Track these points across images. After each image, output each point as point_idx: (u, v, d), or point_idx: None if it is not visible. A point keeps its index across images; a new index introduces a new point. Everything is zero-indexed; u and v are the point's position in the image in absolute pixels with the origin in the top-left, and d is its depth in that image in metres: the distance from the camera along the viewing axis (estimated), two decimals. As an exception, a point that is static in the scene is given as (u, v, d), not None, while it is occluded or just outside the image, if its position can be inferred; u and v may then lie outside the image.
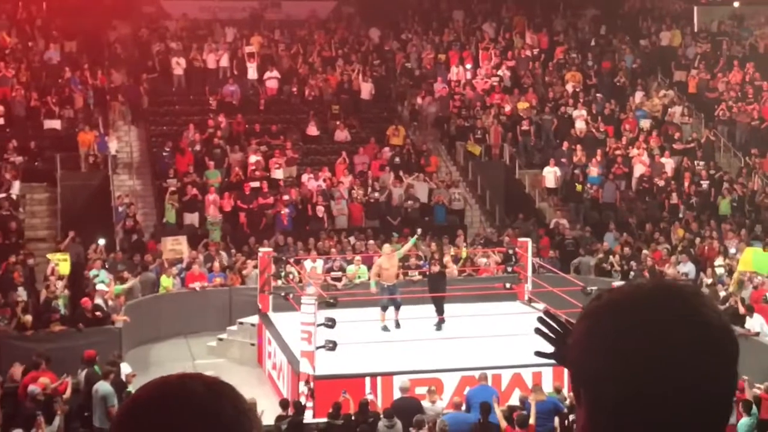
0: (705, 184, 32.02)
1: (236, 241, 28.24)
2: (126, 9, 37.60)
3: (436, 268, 21.70)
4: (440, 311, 21.51)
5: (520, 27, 39.53)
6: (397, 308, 21.49)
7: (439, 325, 21.50)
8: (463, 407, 16.64)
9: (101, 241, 26.57)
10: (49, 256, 25.09)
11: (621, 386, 1.57)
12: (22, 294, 23.31)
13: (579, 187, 31.89)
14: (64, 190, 29.51)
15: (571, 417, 15.86)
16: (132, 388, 17.54)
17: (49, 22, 36.23)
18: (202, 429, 1.52)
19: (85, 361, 18.53)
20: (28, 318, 21.54)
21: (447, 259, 23.30)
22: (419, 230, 24.61)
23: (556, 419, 16.09)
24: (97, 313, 21.68)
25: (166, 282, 25.25)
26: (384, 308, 21.44)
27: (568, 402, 16.68)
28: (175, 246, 26.11)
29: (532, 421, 15.74)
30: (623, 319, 1.61)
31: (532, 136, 34.29)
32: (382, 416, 16.11)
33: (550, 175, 32.19)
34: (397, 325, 21.43)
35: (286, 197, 29.47)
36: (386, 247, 22.89)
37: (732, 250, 26.82)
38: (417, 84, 36.56)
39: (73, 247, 26.51)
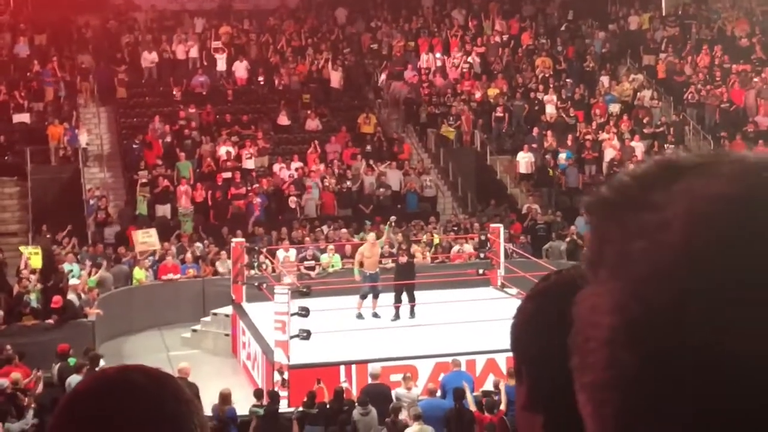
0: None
1: (208, 232, 28.19)
2: (95, 1, 37.37)
3: (404, 259, 21.70)
4: (411, 299, 21.55)
5: (490, 13, 39.55)
6: (376, 297, 21.53)
7: (411, 311, 21.53)
8: (438, 393, 16.72)
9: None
10: (21, 248, 24.98)
11: (564, 365, 1.60)
12: (-7, 288, 23.23)
13: (551, 172, 32.00)
14: (34, 183, 29.37)
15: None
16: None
17: (17, 14, 35.98)
18: (143, 418, 1.52)
19: (59, 354, 18.50)
20: (0, 313, 21.45)
21: (416, 248, 23.29)
22: (393, 218, 24.66)
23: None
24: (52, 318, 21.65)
25: (139, 274, 25.19)
26: (363, 296, 21.51)
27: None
28: (146, 238, 26.02)
29: (503, 406, 15.80)
30: (568, 297, 1.63)
31: (505, 122, 34.36)
32: (356, 404, 16.18)
33: (524, 160, 32.28)
34: (375, 316, 21.48)
35: (257, 186, 29.43)
36: (371, 236, 22.93)
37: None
38: (384, 64, 36.63)
39: (42, 240, 26.39)
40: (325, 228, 28.37)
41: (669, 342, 0.78)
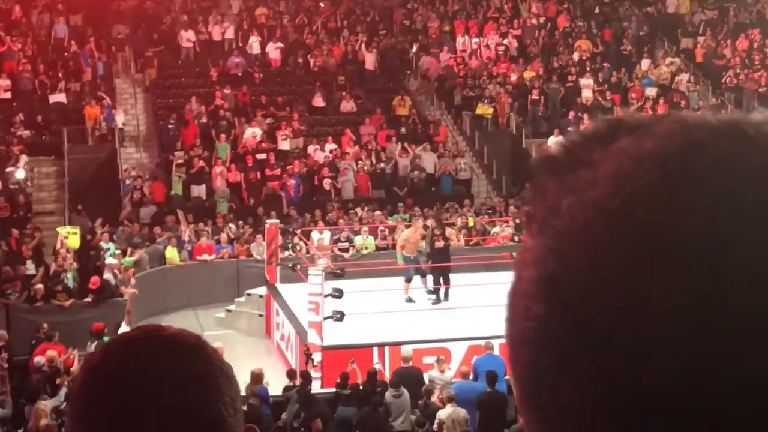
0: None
1: (243, 213, 28.28)
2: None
3: (440, 243, 21.57)
4: (446, 282, 21.53)
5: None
6: (424, 276, 21.62)
7: (446, 294, 21.51)
8: (471, 376, 16.73)
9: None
10: (58, 229, 25.16)
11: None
12: (30, 267, 23.44)
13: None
14: (71, 163, 29.56)
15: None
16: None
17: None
18: (171, 375, 1.51)
19: (94, 333, 18.67)
20: (40, 287, 21.63)
21: (449, 231, 23.21)
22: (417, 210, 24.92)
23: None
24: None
25: (171, 254, 25.32)
26: (408, 280, 21.53)
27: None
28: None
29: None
30: None
31: (541, 105, 34.22)
32: (389, 386, 16.22)
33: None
34: (431, 293, 21.59)
35: (291, 168, 29.47)
36: (420, 221, 22.88)
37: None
38: (419, 39, 36.68)
39: (79, 220, 26.59)
40: (359, 210, 28.40)
41: (578, 300, 0.77)
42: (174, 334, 1.57)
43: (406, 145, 31.16)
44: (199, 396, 1.51)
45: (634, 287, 0.75)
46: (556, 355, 0.79)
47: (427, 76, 35.74)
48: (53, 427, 15.17)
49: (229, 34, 35.25)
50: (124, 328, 18.59)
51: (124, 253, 24.27)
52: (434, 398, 15.87)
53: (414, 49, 36.30)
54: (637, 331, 0.75)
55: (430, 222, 22.87)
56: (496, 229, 27.42)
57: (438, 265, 21.50)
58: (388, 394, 15.96)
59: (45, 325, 19.04)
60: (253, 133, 30.58)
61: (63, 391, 16.65)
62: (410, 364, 17.25)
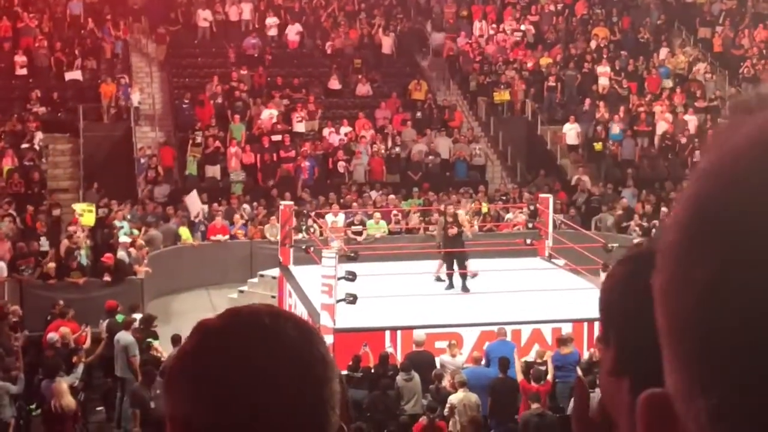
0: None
1: (257, 194, 28.31)
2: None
3: (453, 231, 21.50)
4: (461, 268, 21.49)
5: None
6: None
7: (464, 281, 21.42)
8: (483, 362, 16.74)
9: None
10: (74, 206, 25.23)
11: (652, 329, 1.59)
12: (44, 244, 23.52)
13: (599, 146, 31.74)
14: (86, 141, 29.60)
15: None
16: (153, 339, 17.74)
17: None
18: (266, 350, 1.44)
19: (107, 311, 18.73)
20: (52, 266, 21.74)
21: (464, 217, 23.15)
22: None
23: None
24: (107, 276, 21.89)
25: (185, 234, 25.37)
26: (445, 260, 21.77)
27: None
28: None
29: (549, 377, 15.80)
30: None
31: (558, 92, 34.14)
32: (399, 370, 16.24)
33: (571, 132, 32.05)
34: (439, 279, 21.72)
35: (303, 149, 29.48)
36: (469, 203, 23.60)
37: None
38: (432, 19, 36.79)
39: (93, 197, 26.66)
40: (373, 193, 28.39)
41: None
42: (293, 325, 1.49)
43: (422, 128, 31.13)
44: (310, 398, 1.44)
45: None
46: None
47: (439, 53, 35.76)
48: (78, 405, 15.22)
49: (246, 14, 35.20)
50: None
51: (138, 231, 24.36)
52: (445, 382, 15.89)
53: (429, 29, 36.33)
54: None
55: (446, 208, 22.78)
56: (510, 215, 27.42)
57: (451, 250, 21.42)
58: (399, 378, 15.99)
59: (61, 302, 19.09)
60: (270, 114, 30.58)
61: (80, 369, 16.70)
62: (422, 348, 17.26)
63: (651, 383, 1.58)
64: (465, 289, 21.10)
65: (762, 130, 0.78)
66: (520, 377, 15.75)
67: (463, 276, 21.25)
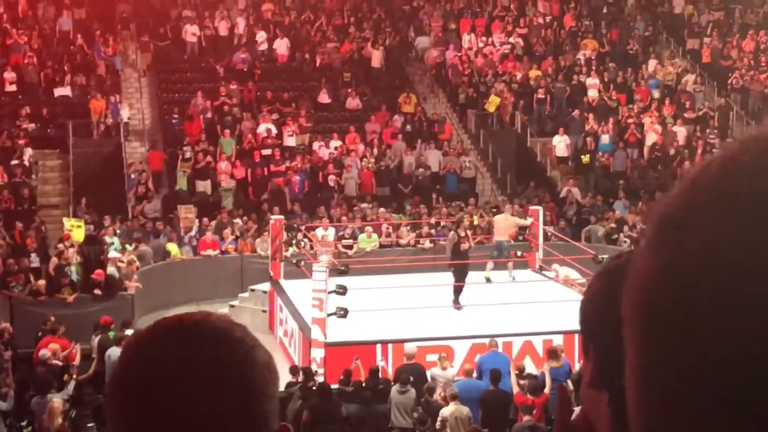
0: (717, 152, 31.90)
1: (247, 209, 28.30)
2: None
3: (466, 246, 21.39)
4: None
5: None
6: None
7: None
8: (474, 374, 16.72)
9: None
10: (64, 220, 25.20)
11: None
12: (34, 260, 23.47)
13: (586, 158, 31.79)
14: (76, 156, 29.58)
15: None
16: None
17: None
18: (215, 350, 1.46)
19: (101, 326, 18.70)
20: (41, 283, 21.69)
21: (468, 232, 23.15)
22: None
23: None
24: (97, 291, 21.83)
25: (173, 249, 25.34)
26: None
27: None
28: (188, 215, 26.28)
29: (547, 390, 15.72)
30: None
31: (547, 104, 34.22)
32: (396, 382, 16.16)
33: (561, 144, 32.12)
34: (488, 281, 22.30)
35: (293, 163, 29.48)
36: (509, 208, 24.79)
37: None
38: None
39: (83, 212, 26.62)
40: (364, 205, 28.37)
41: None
42: (214, 324, 1.50)
43: (412, 141, 31.20)
44: (243, 393, 1.45)
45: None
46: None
47: (423, 60, 35.88)
48: (67, 427, 15.15)
49: (235, 29, 35.23)
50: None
51: (130, 246, 24.33)
52: (436, 396, 15.86)
53: (414, 36, 36.58)
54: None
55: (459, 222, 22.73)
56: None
57: (459, 262, 21.25)
58: (394, 390, 15.94)
59: (51, 318, 19.04)
60: (266, 128, 30.60)
61: (71, 386, 16.63)
62: (413, 361, 17.24)
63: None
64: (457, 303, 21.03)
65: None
66: (515, 389, 15.71)
67: (460, 290, 21.11)
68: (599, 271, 1.71)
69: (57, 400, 15.13)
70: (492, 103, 33.57)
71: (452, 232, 21.78)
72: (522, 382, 16.03)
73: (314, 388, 16.05)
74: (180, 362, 1.44)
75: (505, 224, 23.40)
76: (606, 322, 1.64)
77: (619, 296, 1.61)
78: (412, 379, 16.10)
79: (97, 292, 21.70)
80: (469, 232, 23.00)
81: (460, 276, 21.04)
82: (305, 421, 15.13)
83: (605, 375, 1.63)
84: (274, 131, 30.72)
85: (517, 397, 15.51)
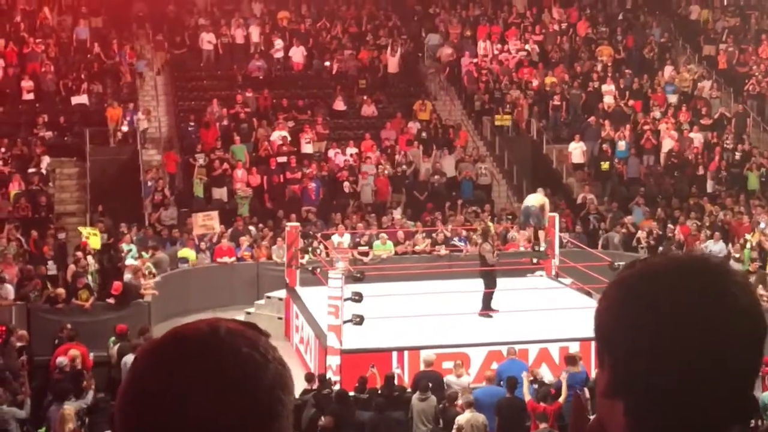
0: (734, 158, 31.80)
1: (263, 216, 28.35)
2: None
3: (495, 259, 21.30)
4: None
5: (548, 2, 39.30)
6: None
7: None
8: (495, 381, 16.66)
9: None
10: (80, 228, 25.29)
11: (647, 354, 1.61)
12: (51, 268, 23.56)
13: (605, 165, 31.71)
14: (93, 164, 29.69)
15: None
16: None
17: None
18: (217, 361, 1.46)
19: (118, 335, 18.75)
20: (61, 291, 21.71)
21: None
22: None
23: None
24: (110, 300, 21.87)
25: (185, 254, 25.36)
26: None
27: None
28: (207, 221, 26.27)
29: (561, 398, 15.67)
30: (656, 289, 1.63)
31: (563, 111, 34.18)
32: (415, 390, 16.12)
33: (577, 150, 32.08)
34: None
35: (308, 171, 29.51)
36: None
37: (761, 225, 26.70)
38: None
39: (101, 220, 26.72)
40: (385, 219, 28.23)
41: None
42: (228, 334, 1.50)
43: (427, 148, 31.22)
44: (249, 413, 1.46)
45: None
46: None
47: (438, 59, 35.94)
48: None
49: (254, 37, 35.33)
50: None
51: (146, 254, 24.40)
52: (457, 403, 15.81)
53: (425, 35, 36.69)
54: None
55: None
56: (513, 234, 27.37)
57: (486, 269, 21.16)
58: (415, 398, 15.91)
59: (69, 326, 19.09)
60: (280, 136, 30.67)
61: (90, 394, 16.64)
62: (431, 368, 17.20)
63: (644, 406, 1.60)
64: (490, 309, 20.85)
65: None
66: (527, 397, 15.67)
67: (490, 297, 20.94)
68: (612, 281, 1.72)
69: (69, 407, 15.16)
70: (502, 120, 33.53)
71: (486, 243, 21.40)
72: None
73: (330, 395, 16.07)
74: (187, 380, 1.44)
75: (535, 196, 23.64)
76: (620, 332, 1.65)
77: (632, 306, 1.63)
78: (431, 385, 16.09)
79: (110, 301, 21.70)
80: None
81: (492, 283, 20.95)
82: (324, 426, 15.15)
83: (620, 384, 1.64)
84: (289, 139, 30.78)
85: (530, 405, 15.47)
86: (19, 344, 18.49)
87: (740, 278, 1.67)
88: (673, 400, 1.60)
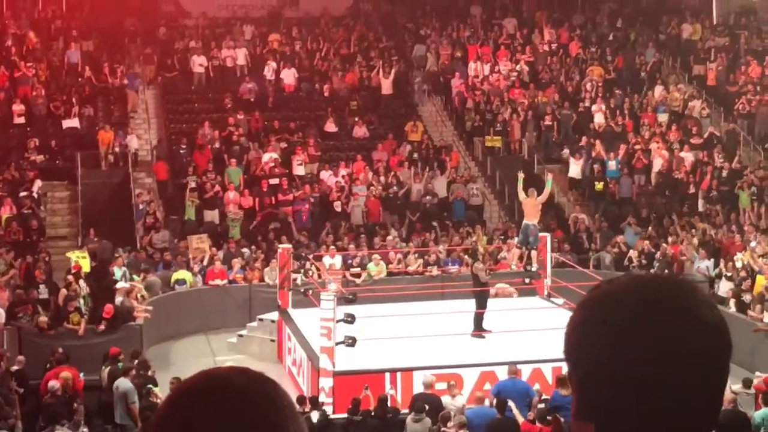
0: (725, 177, 31.84)
1: (255, 238, 28.32)
2: (144, 8, 37.70)
3: (487, 277, 21.34)
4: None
5: (539, 22, 39.44)
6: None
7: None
8: (486, 402, 16.60)
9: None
10: (68, 254, 25.24)
11: (612, 375, 1.60)
12: (43, 291, 23.48)
13: (599, 186, 31.76)
14: (84, 188, 29.67)
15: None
16: (153, 385, 17.68)
17: (69, 21, 36.40)
18: (239, 421, 1.56)
19: (110, 357, 18.67)
20: (44, 320, 21.48)
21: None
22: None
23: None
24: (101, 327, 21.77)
25: (180, 275, 25.31)
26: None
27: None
28: (200, 244, 26.28)
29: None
30: (618, 310, 1.63)
31: (554, 131, 34.25)
32: (411, 411, 16.07)
33: (575, 168, 32.18)
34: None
35: (300, 193, 29.52)
36: (534, 191, 23.99)
37: (752, 243, 26.74)
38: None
39: (91, 243, 26.66)
40: (377, 239, 28.23)
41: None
42: (244, 384, 1.62)
43: (418, 169, 31.23)
44: None
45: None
46: None
47: (429, 71, 36.07)
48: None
49: (242, 60, 35.38)
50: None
51: (138, 277, 24.34)
52: (450, 424, 15.76)
53: (411, 44, 37.06)
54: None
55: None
56: (504, 254, 27.36)
57: (482, 289, 21.13)
58: (409, 419, 15.86)
59: (60, 349, 19.01)
60: (271, 157, 30.68)
61: (81, 419, 16.55)
62: (431, 390, 17.12)
63: (612, 429, 1.59)
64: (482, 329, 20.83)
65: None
66: (521, 419, 15.62)
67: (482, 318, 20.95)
68: (579, 302, 1.71)
69: (61, 431, 15.09)
70: (492, 142, 33.62)
71: (478, 263, 21.49)
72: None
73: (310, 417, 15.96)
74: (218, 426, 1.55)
75: (531, 205, 23.42)
76: (584, 354, 1.64)
77: (593, 328, 1.62)
78: (427, 407, 16.03)
79: (101, 327, 21.58)
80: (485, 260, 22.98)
81: (483, 304, 20.94)
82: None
83: (589, 408, 1.63)
84: (280, 160, 30.78)
85: (524, 426, 15.42)
86: (15, 368, 18.43)
87: (703, 295, 1.66)
88: (640, 420, 1.59)
